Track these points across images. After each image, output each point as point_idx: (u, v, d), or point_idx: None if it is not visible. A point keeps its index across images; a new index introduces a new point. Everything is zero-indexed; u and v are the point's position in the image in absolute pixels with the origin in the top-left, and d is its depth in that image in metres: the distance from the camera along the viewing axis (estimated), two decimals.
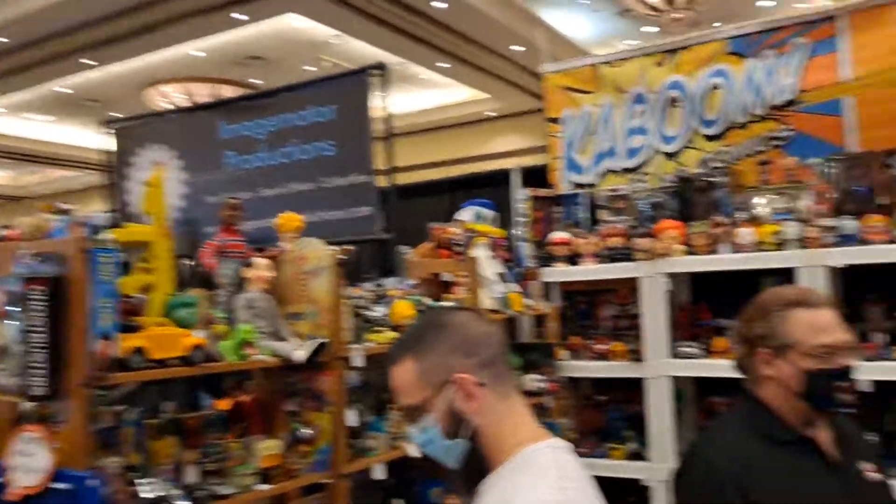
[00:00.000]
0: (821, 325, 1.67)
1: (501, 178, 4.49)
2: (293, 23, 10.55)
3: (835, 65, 3.61)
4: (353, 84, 4.35)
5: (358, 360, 2.59)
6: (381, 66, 4.16)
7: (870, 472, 1.71)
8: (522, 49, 11.18)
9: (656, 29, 10.57)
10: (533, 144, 11.70)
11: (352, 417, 2.56)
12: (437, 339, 1.39)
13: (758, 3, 10.70)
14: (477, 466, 1.40)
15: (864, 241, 3.12)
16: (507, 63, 12.12)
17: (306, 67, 11.89)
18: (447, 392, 1.35)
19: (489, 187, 4.47)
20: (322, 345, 2.45)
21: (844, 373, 1.66)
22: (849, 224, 3.16)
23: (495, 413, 1.36)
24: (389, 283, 3.13)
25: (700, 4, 9.24)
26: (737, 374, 1.85)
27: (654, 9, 9.53)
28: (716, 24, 8.06)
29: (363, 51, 11.18)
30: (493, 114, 15.04)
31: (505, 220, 4.04)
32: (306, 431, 2.48)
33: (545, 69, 4.41)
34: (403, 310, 2.76)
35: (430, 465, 1.44)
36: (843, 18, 3.60)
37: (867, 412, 3.18)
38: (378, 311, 2.82)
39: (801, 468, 1.65)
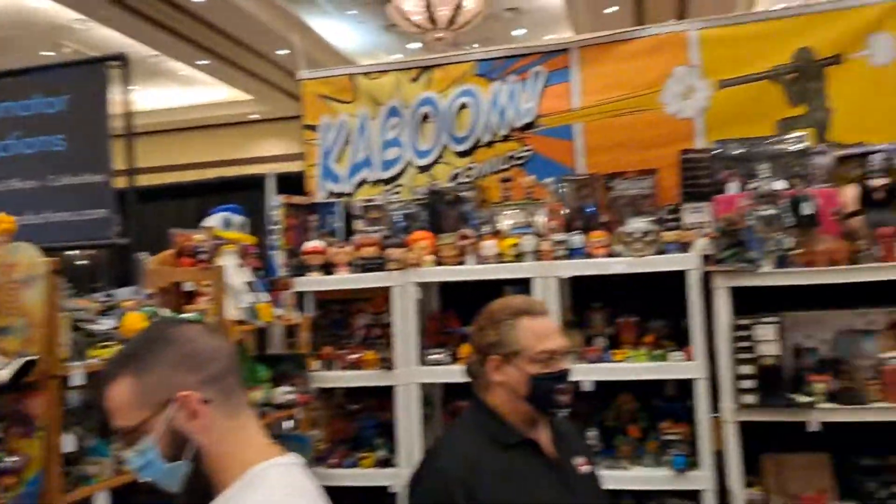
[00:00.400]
0: (544, 332, 1.79)
1: (256, 183, 4.34)
2: (28, 1, 9.43)
3: (567, 93, 3.95)
4: (89, 74, 3.93)
5: (77, 379, 2.33)
6: (121, 57, 3.82)
7: (581, 465, 1.86)
8: (288, 53, 11.00)
9: (421, 46, 10.96)
10: (298, 151, 11.55)
11: (69, 442, 2.30)
12: (158, 355, 1.29)
13: (513, 33, 11.54)
14: (202, 489, 1.32)
15: (589, 255, 3.44)
16: (272, 66, 11.85)
17: (44, 53, 10.68)
18: (169, 411, 1.26)
19: (242, 192, 4.29)
20: (30, 363, 2.17)
21: (563, 376, 1.80)
22: (576, 239, 3.47)
23: (222, 432, 1.30)
24: (122, 293, 2.87)
25: (461, 27, 9.71)
26: (469, 379, 1.93)
27: (417, 27, 9.83)
28: (475, 46, 8.54)
29: (113, 40, 10.30)
30: (257, 117, 14.62)
31: (259, 228, 3.91)
32: (11, 461, 2.18)
33: (302, 75, 4.35)
34: (135, 322, 2.53)
35: (162, 489, 1.34)
36: (575, 52, 3.96)
37: (589, 410, 3.55)
38: (106, 325, 2.57)
39: (524, 468, 1.75)
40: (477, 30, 10.13)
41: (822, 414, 3.09)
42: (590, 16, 10.44)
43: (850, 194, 3.38)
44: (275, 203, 3.89)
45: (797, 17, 3.74)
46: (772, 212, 3.26)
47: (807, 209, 3.24)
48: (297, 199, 3.99)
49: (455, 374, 3.47)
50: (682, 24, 3.90)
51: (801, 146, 3.54)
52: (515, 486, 1.71)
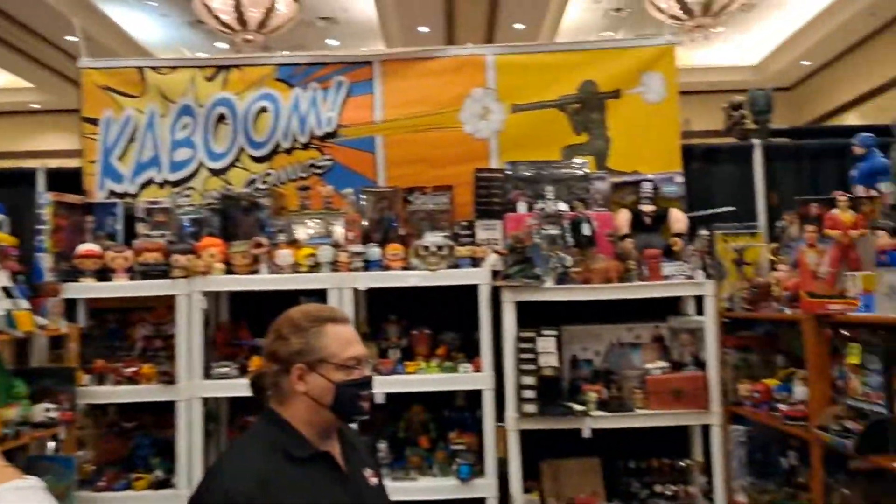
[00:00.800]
0: (349, 339, 1.77)
1: (24, 178, 3.90)
2: None
3: (370, 105, 3.96)
4: None
5: None
6: None
7: (371, 477, 1.85)
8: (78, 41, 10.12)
9: (228, 46, 10.54)
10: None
11: None
12: None
13: (326, 41, 11.44)
14: None
15: (386, 267, 3.46)
16: (58, 53, 10.83)
17: None
18: None
19: (7, 188, 3.84)
20: None
21: (367, 383, 1.79)
22: (374, 251, 3.48)
23: None
24: None
25: (272, 31, 9.46)
26: (253, 393, 1.85)
27: (226, 26, 9.44)
28: (285, 53, 8.35)
29: None
30: (38, 107, 13.28)
31: (27, 228, 3.52)
32: None
33: (83, 63, 4.00)
34: None
35: None
36: (378, 65, 3.99)
37: (381, 422, 3.55)
38: None
39: (317, 482, 1.71)
40: (289, 36, 9.93)
41: (594, 421, 3.31)
42: (402, 33, 10.62)
43: (623, 218, 3.69)
44: (44, 201, 3.52)
45: (582, 51, 4.04)
46: (555, 231, 3.47)
47: (586, 230, 3.49)
48: (70, 198, 3.64)
49: (243, 387, 3.31)
50: (479, 48, 4.06)
51: (582, 172, 3.81)
52: (308, 501, 1.67)
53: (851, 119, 11.44)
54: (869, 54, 11.06)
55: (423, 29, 10.50)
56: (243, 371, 3.39)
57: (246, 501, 1.58)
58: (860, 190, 2.86)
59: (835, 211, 2.78)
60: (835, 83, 12.15)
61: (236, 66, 3.98)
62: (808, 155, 4.14)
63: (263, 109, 3.95)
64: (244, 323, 3.66)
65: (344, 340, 1.76)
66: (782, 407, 2.95)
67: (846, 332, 2.63)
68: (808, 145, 4.21)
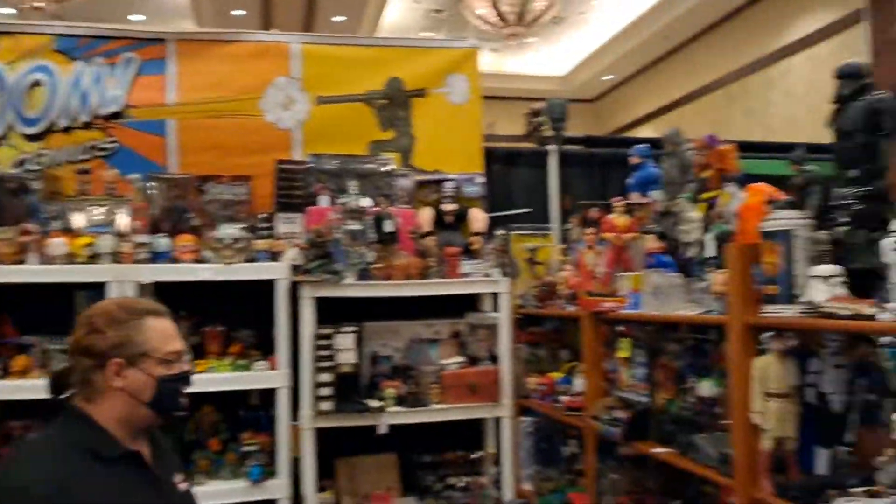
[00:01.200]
0: (169, 333, 1.73)
1: None
2: None
3: (162, 86, 3.70)
4: None
5: None
6: None
7: (180, 483, 1.79)
8: None
9: (14, 11, 9.51)
10: None
11: None
12: None
13: (130, 17, 10.65)
14: None
15: (175, 260, 3.24)
16: None
17: None
18: None
19: None
20: None
21: (187, 377, 1.76)
22: (162, 242, 3.25)
23: None
24: None
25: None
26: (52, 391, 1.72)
27: None
28: (66, 24, 7.64)
29: None
30: None
31: None
32: None
33: None
34: None
35: None
36: (172, 44, 3.74)
37: (172, 423, 3.33)
38: None
39: (126, 482, 1.63)
40: (87, 7, 9.14)
41: (391, 417, 3.32)
42: (215, 14, 10.13)
43: (425, 216, 3.74)
44: None
45: (390, 48, 4.05)
46: (357, 227, 3.44)
47: (388, 227, 3.49)
48: None
49: (7, 390, 2.99)
50: (284, 35, 3.94)
51: (387, 168, 3.81)
52: (116, 502, 1.59)
53: (646, 132, 12.48)
54: (662, 74, 12.12)
55: (238, 12, 10.09)
56: (6, 372, 3.05)
57: None
58: (635, 196, 3.08)
59: (611, 215, 2.98)
60: (632, 98, 13.21)
61: (7, 34, 3.56)
62: (598, 162, 4.44)
63: (37, 83, 3.57)
64: (8, 318, 3.28)
65: (165, 334, 1.71)
66: (564, 398, 3.13)
67: (620, 328, 2.83)
68: (599, 153, 4.51)
